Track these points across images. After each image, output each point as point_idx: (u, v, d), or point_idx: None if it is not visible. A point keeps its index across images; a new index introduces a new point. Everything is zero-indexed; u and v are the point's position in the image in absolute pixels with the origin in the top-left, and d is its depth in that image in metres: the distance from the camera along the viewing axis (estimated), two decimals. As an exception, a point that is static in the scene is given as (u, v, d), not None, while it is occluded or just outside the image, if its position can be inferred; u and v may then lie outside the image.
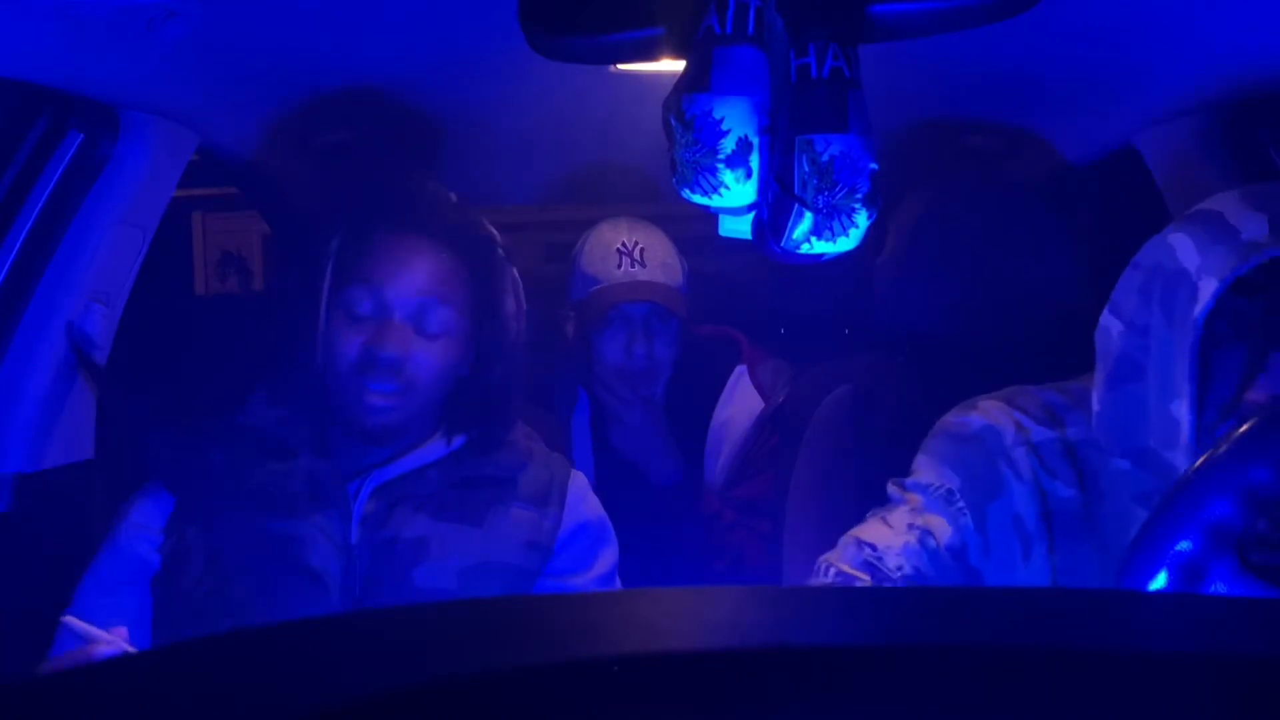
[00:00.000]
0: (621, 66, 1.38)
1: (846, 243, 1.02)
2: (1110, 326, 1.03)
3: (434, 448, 1.26)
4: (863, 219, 1.01)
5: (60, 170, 1.32)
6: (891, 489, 1.11)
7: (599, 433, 1.86)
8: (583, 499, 1.31)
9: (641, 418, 1.82)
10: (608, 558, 1.31)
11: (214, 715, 0.35)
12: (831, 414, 1.56)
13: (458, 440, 1.27)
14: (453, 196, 1.29)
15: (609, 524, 1.33)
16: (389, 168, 1.34)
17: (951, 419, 1.12)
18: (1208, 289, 0.91)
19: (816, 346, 2.09)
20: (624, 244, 1.81)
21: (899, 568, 1.02)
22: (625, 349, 1.79)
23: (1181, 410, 0.94)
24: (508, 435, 1.30)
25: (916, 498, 1.07)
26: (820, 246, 1.02)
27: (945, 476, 1.07)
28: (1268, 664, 0.40)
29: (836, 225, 1.01)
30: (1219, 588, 0.77)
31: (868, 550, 1.04)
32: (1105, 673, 0.39)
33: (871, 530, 1.07)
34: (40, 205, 1.31)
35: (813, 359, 1.89)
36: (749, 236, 1.09)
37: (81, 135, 1.32)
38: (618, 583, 1.33)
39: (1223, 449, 0.79)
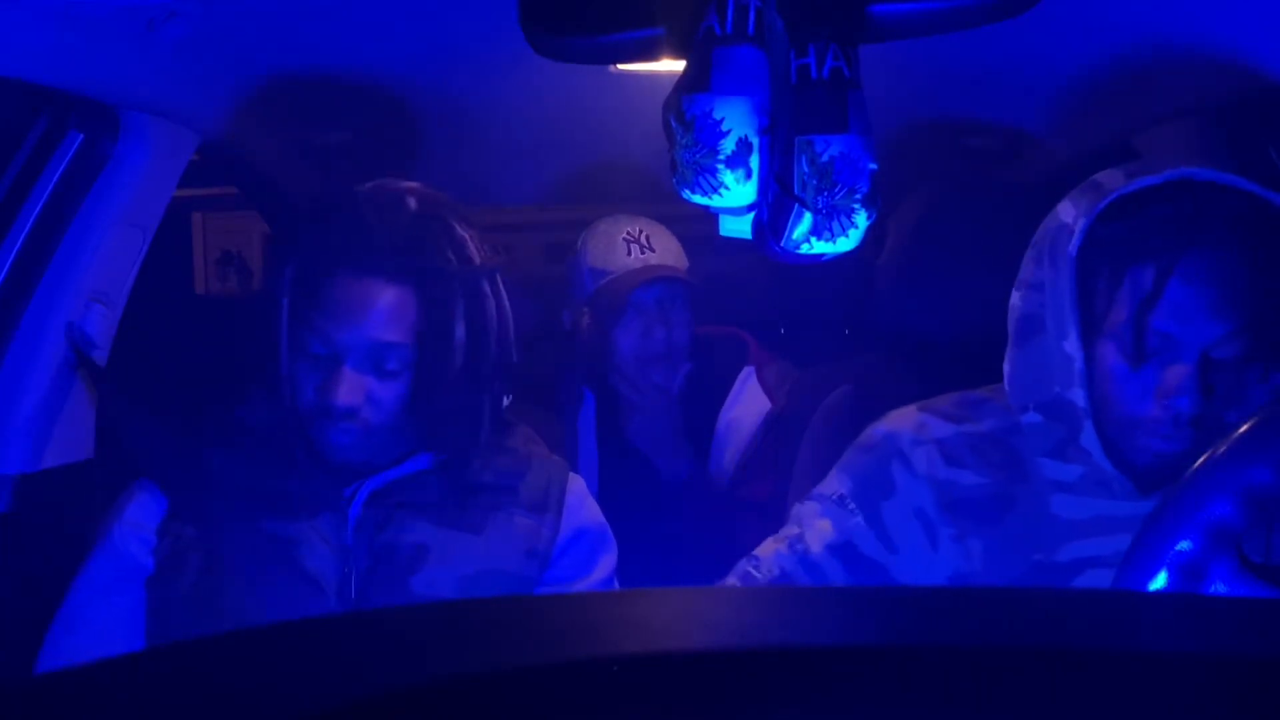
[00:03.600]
0: (621, 66, 1.38)
1: (846, 243, 1.02)
2: (1015, 300, 1.10)
3: (424, 457, 1.25)
4: (862, 219, 1.01)
5: (60, 170, 1.31)
6: (795, 506, 1.19)
7: (610, 428, 1.87)
8: (581, 505, 1.30)
9: (658, 409, 1.83)
10: (606, 564, 1.30)
11: (214, 715, 0.35)
12: (831, 414, 1.56)
13: (431, 458, 1.24)
14: (412, 204, 1.19)
15: (608, 530, 1.33)
16: (339, 184, 1.27)
17: (865, 432, 1.19)
18: (1079, 228, 1.01)
19: (816, 346, 2.09)
20: (629, 233, 1.83)
21: (769, 573, 1.11)
22: (643, 335, 1.81)
23: (1072, 344, 1.01)
24: (480, 450, 1.26)
25: (812, 505, 1.16)
26: (820, 246, 1.03)
27: (840, 483, 1.15)
28: (1268, 664, 0.40)
29: (836, 225, 1.01)
30: (1219, 588, 0.77)
31: (751, 563, 1.14)
32: (1105, 673, 0.39)
33: (763, 546, 1.16)
34: (40, 205, 1.31)
35: (813, 359, 1.89)
36: (749, 236, 1.09)
37: (81, 135, 1.32)
38: (616, 587, 1.33)
39: (1223, 449, 0.79)
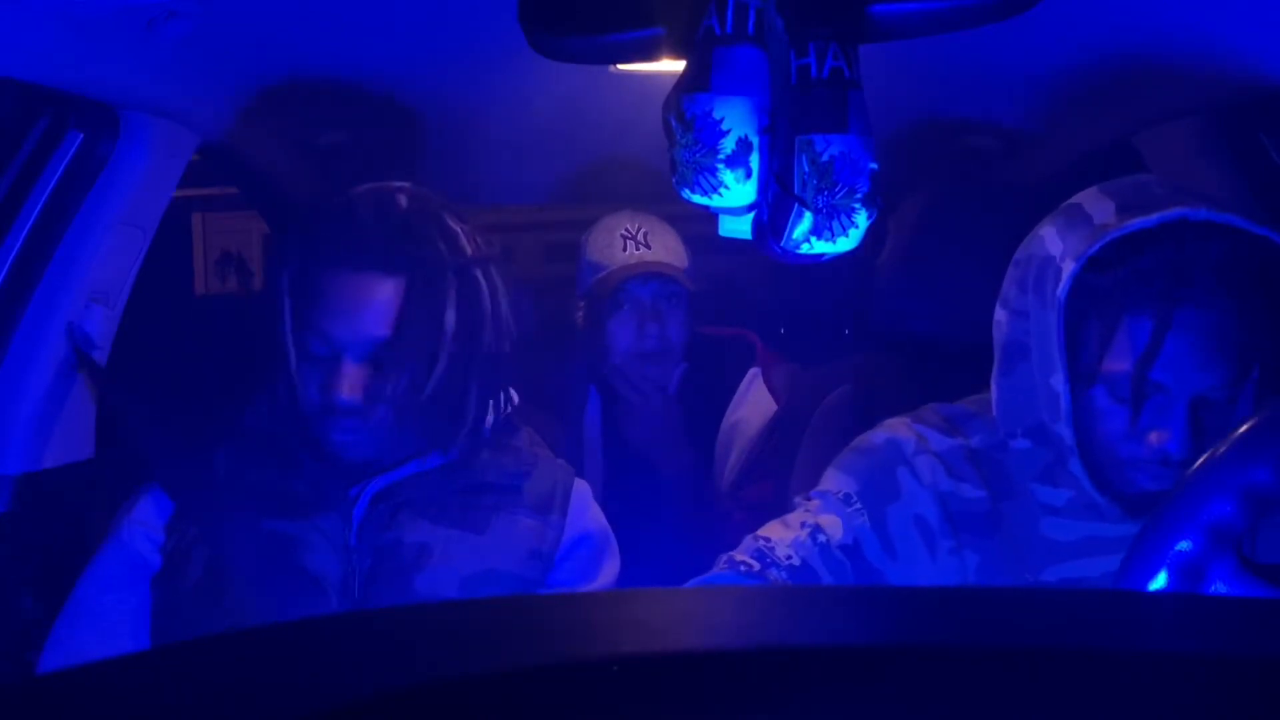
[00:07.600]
0: (621, 66, 1.38)
1: (846, 243, 1.03)
2: (1001, 319, 1.10)
3: (433, 457, 1.25)
4: (863, 219, 1.01)
5: (60, 170, 1.31)
6: (796, 500, 1.16)
7: (611, 428, 1.87)
8: (586, 509, 1.30)
9: (656, 408, 1.83)
10: (610, 571, 1.30)
11: (214, 715, 0.35)
12: (831, 414, 1.56)
13: (441, 456, 1.24)
14: (402, 201, 1.21)
15: (611, 535, 1.33)
16: (338, 186, 1.29)
17: (859, 437, 1.18)
18: (1067, 270, 0.99)
19: (816, 346, 2.10)
20: (627, 229, 1.84)
21: (788, 557, 1.07)
22: (637, 330, 1.81)
23: (1059, 383, 1.01)
24: (484, 441, 1.27)
25: (815, 502, 1.13)
26: (820, 246, 1.03)
27: (844, 483, 1.13)
28: (1268, 664, 0.40)
29: (836, 225, 1.01)
30: (1219, 588, 0.77)
31: (761, 541, 1.10)
32: (1105, 673, 0.39)
33: (768, 528, 1.13)
34: (40, 205, 1.31)
35: (813, 359, 1.89)
36: (749, 236, 1.09)
37: (81, 135, 1.32)
38: None
39: (1223, 449, 0.79)
